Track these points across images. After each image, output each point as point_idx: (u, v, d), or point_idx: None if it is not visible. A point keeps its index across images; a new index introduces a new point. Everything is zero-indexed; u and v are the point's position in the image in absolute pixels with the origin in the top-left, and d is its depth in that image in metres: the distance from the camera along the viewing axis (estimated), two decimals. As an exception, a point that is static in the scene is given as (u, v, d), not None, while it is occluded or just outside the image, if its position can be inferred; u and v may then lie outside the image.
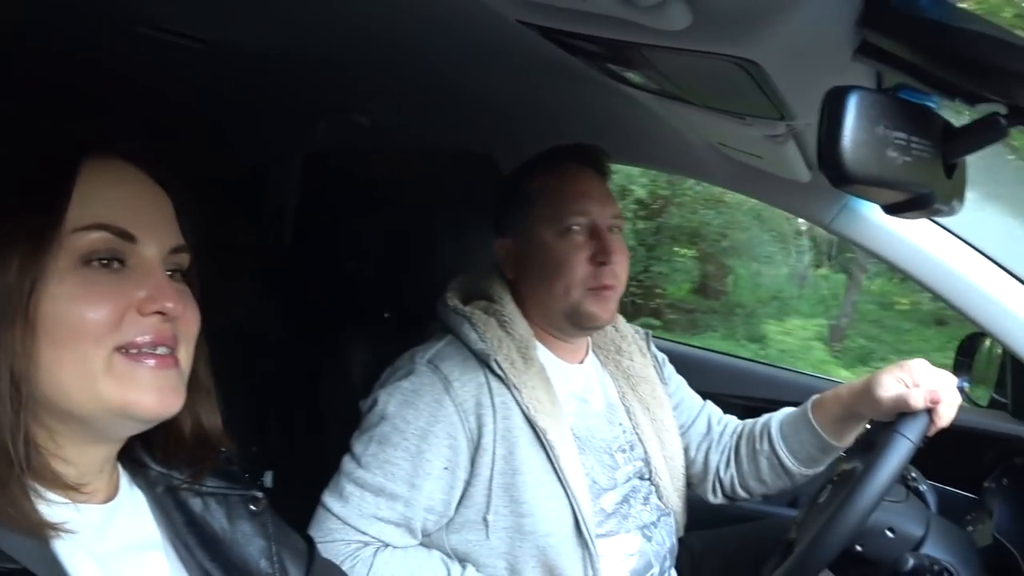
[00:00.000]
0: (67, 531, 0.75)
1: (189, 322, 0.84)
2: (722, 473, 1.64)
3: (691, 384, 1.75)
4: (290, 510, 1.08)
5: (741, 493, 1.63)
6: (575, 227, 1.44)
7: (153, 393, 0.78)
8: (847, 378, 3.42)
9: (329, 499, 1.35)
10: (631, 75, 0.99)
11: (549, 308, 1.46)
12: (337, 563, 1.24)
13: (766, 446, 1.57)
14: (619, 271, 1.45)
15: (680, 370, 1.76)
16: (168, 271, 0.84)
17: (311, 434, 1.86)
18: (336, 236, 2.18)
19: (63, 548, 0.75)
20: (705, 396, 1.76)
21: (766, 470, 1.58)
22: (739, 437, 1.65)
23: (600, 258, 1.43)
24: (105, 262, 0.78)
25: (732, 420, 1.71)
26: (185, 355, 0.84)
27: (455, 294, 1.51)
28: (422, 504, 1.34)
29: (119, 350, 0.77)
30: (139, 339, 0.78)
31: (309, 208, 2.36)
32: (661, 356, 1.73)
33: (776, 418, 1.60)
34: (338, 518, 1.33)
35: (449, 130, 2.01)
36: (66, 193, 0.77)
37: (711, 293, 7.09)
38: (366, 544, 1.34)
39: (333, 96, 1.91)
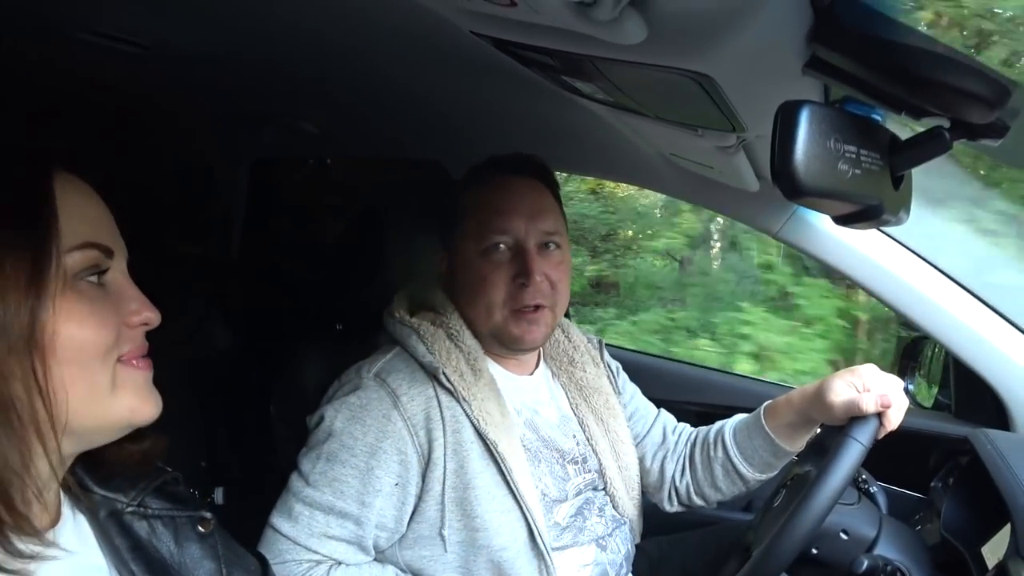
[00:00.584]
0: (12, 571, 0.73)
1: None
2: (678, 482, 1.64)
3: (644, 391, 1.75)
4: (243, 527, 1.05)
5: (697, 501, 1.63)
6: (500, 245, 1.40)
7: (151, 400, 0.81)
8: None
9: (278, 520, 1.31)
10: (584, 87, 0.99)
11: (475, 326, 1.43)
12: None
13: (720, 452, 1.58)
14: (547, 290, 1.41)
15: (633, 377, 1.76)
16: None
17: (262, 449, 1.82)
18: (284, 244, 2.14)
19: None
20: (659, 403, 1.76)
21: (721, 476, 1.59)
22: (693, 445, 1.65)
23: (521, 279, 1.38)
24: (92, 278, 0.79)
25: (686, 428, 1.71)
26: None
27: (402, 305, 1.48)
28: (373, 521, 1.31)
29: (118, 361, 0.78)
30: (134, 351, 0.80)
31: (256, 216, 2.31)
32: (615, 365, 1.73)
33: (729, 424, 1.61)
34: (288, 538, 1.29)
35: (399, 137, 1.99)
36: (54, 216, 0.76)
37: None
38: (318, 563, 1.31)
39: (280, 102, 1.88)
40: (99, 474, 0.88)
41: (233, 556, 0.97)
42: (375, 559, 1.36)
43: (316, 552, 1.30)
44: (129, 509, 0.89)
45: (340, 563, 1.31)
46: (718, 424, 1.63)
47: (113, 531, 0.88)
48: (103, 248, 0.79)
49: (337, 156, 2.15)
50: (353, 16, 1.16)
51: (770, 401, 1.53)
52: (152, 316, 0.81)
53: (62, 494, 0.85)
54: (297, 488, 1.32)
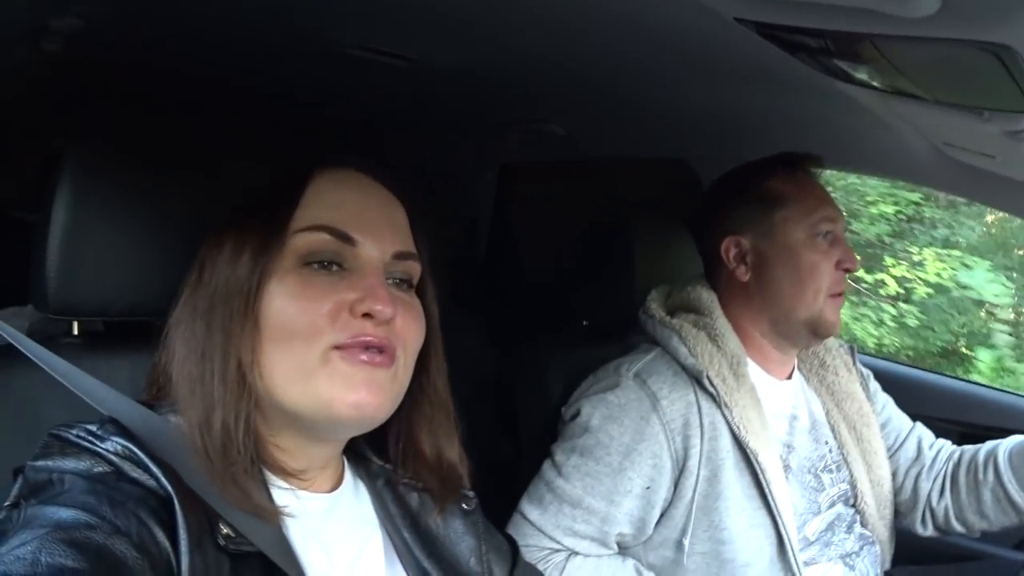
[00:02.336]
0: (291, 515, 0.78)
1: (408, 330, 0.83)
2: (934, 503, 1.51)
3: (898, 404, 1.63)
4: (485, 514, 1.09)
5: (957, 526, 1.50)
6: (828, 232, 1.39)
7: (361, 390, 0.78)
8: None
9: (527, 506, 1.35)
10: (855, 71, 0.94)
11: (791, 314, 1.39)
12: None
13: (991, 476, 1.44)
14: None
15: (886, 388, 1.64)
16: (394, 279, 0.84)
17: (504, 439, 1.89)
18: (531, 249, 2.21)
19: (292, 532, 0.79)
20: (914, 419, 1.63)
21: (989, 504, 1.44)
22: (956, 464, 1.52)
23: (846, 264, 1.39)
24: (325, 264, 0.80)
25: (946, 444, 1.58)
26: (403, 361, 0.82)
27: (658, 305, 1.46)
28: (620, 521, 1.31)
29: (335, 348, 0.78)
30: (352, 339, 0.78)
31: (502, 219, 2.40)
32: (866, 371, 1.63)
33: (1005, 446, 1.45)
34: (534, 526, 1.33)
35: (644, 136, 1.99)
36: (295, 196, 0.82)
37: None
38: (556, 551, 1.33)
39: (527, 107, 1.95)
40: (380, 446, 0.94)
41: (489, 536, 1.00)
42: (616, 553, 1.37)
43: (559, 543, 1.32)
44: (404, 480, 0.94)
45: (577, 554, 1.33)
46: (990, 444, 1.48)
47: (389, 499, 0.93)
48: (338, 233, 0.80)
49: (582, 157, 2.19)
50: (603, 13, 1.17)
51: None
52: (381, 308, 0.78)
53: (344, 461, 0.93)
54: (549, 477, 1.35)
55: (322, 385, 0.77)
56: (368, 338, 0.78)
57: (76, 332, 1.03)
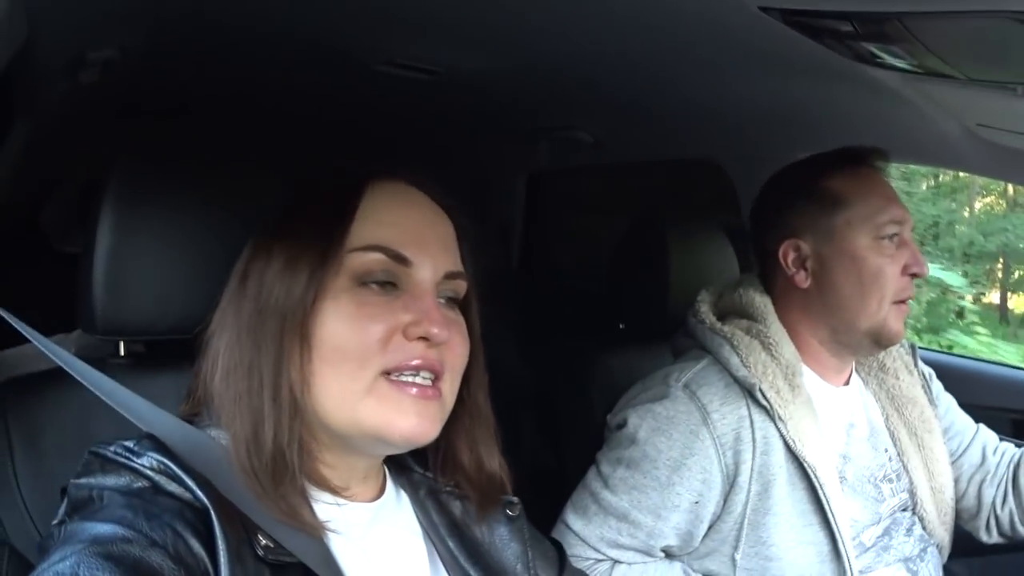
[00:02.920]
0: (335, 530, 0.78)
1: (455, 351, 0.82)
2: (999, 509, 1.45)
3: (954, 395, 1.57)
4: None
5: (1022, 531, 1.44)
6: (895, 235, 1.32)
7: (412, 418, 0.78)
8: None
9: (571, 517, 1.32)
10: (884, 54, 0.93)
11: (852, 323, 1.32)
12: None
13: None
14: None
15: (942, 380, 1.58)
16: (443, 298, 0.84)
17: (545, 446, 1.89)
18: (563, 254, 2.21)
19: (336, 543, 0.79)
20: (970, 409, 1.57)
21: None
22: (1017, 466, 1.46)
23: (914, 269, 1.32)
24: (379, 284, 0.80)
25: (1009, 448, 1.51)
26: (449, 385, 0.82)
27: (708, 308, 1.40)
28: (666, 535, 1.28)
29: (384, 374, 0.77)
30: (404, 363, 0.77)
31: (534, 227, 2.42)
32: (929, 372, 1.56)
33: None
34: (578, 536, 1.30)
35: (673, 138, 1.99)
36: (350, 213, 0.81)
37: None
38: (600, 561, 1.31)
39: (555, 114, 1.95)
40: (420, 455, 0.94)
41: (535, 542, 0.99)
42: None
43: (603, 554, 1.30)
44: (447, 489, 0.93)
45: (621, 563, 1.32)
46: None
47: (431, 508, 0.92)
48: (393, 254, 0.80)
49: (612, 162, 2.20)
50: (626, 15, 1.17)
51: None
52: (437, 332, 0.77)
53: (387, 471, 0.92)
54: (595, 488, 1.32)
55: (371, 412, 0.77)
56: (418, 361, 0.78)
57: (123, 353, 1.05)
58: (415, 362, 0.78)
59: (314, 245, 0.79)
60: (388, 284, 0.80)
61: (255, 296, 0.80)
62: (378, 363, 0.77)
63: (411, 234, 0.82)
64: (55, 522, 0.71)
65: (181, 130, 1.85)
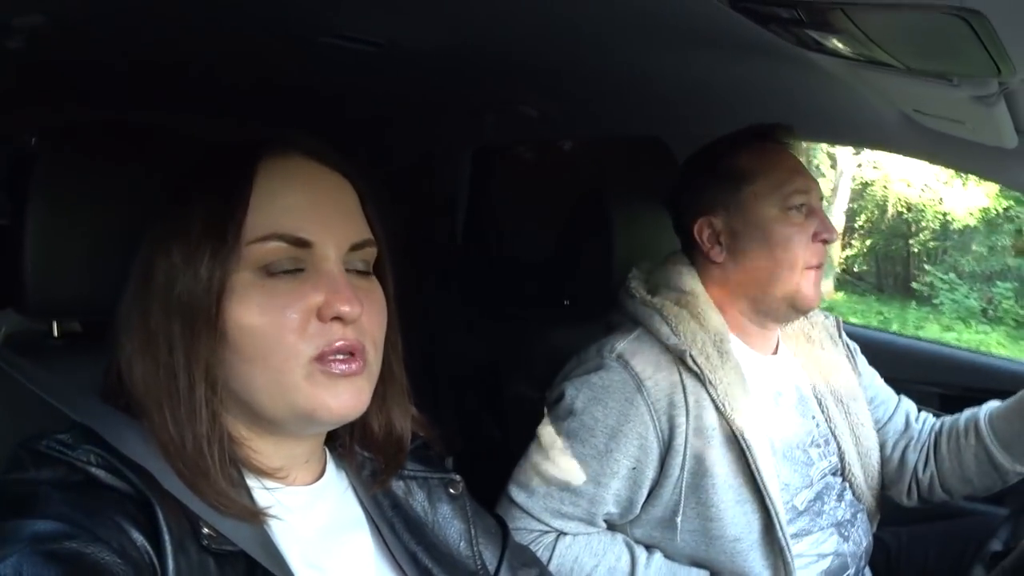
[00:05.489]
0: (273, 516, 0.78)
1: (373, 320, 0.83)
2: (920, 473, 1.52)
3: (880, 371, 1.64)
4: (471, 494, 1.09)
5: (940, 495, 1.52)
6: (803, 205, 1.38)
7: (343, 397, 0.78)
8: None
9: (515, 490, 1.35)
10: (827, 41, 0.95)
11: (767, 291, 1.38)
12: None
13: (973, 440, 1.46)
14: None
15: (868, 355, 1.65)
16: (354, 269, 0.83)
17: (488, 422, 1.90)
18: (509, 229, 2.21)
19: (276, 528, 0.79)
20: (896, 384, 1.64)
21: (972, 468, 1.46)
22: (939, 433, 1.53)
23: (824, 236, 1.38)
24: (287, 271, 0.79)
25: (930, 416, 1.59)
26: (372, 356, 0.82)
27: (639, 284, 1.45)
28: (607, 501, 1.32)
29: (315, 360, 0.77)
30: (327, 349, 0.77)
31: (479, 201, 2.41)
32: (853, 345, 1.63)
33: (984, 409, 1.47)
34: (522, 509, 1.33)
35: (618, 116, 1.99)
36: (242, 204, 0.78)
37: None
38: (545, 532, 1.34)
39: (501, 89, 1.94)
40: (360, 436, 0.93)
41: (478, 518, 1.01)
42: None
43: (547, 524, 1.33)
44: (365, 455, 0.93)
45: (566, 534, 1.34)
46: (970, 410, 1.50)
47: (374, 488, 0.93)
48: (293, 239, 0.78)
49: (556, 138, 2.19)
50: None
51: None
52: (348, 310, 0.77)
53: (327, 452, 0.92)
54: (536, 461, 1.35)
55: (305, 397, 0.77)
56: (340, 343, 0.78)
57: (56, 334, 1.02)
58: (337, 344, 0.78)
59: (209, 242, 0.77)
60: (295, 270, 0.79)
61: (160, 294, 0.77)
62: (304, 353, 0.77)
63: (309, 213, 0.80)
64: None
65: (115, 107, 1.78)
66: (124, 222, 0.96)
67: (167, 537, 0.69)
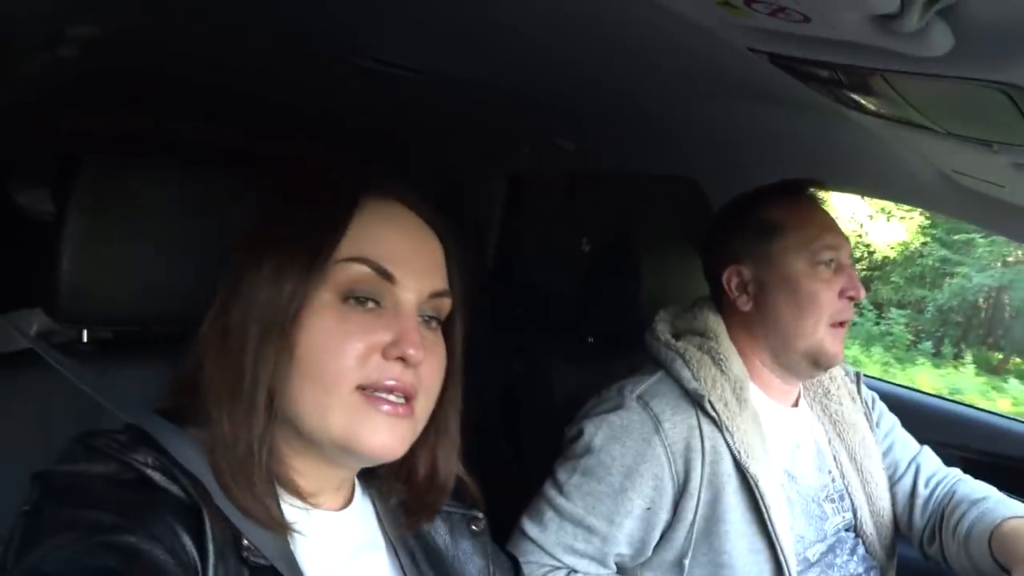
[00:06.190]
0: (301, 533, 0.79)
1: (431, 371, 0.83)
2: (927, 547, 1.47)
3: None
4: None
5: (956, 569, 1.43)
6: (831, 261, 1.37)
7: (382, 435, 0.78)
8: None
9: (528, 524, 1.35)
10: (866, 102, 0.95)
11: (790, 344, 1.38)
12: None
13: (976, 550, 1.36)
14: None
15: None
16: (425, 316, 0.84)
17: (509, 453, 1.89)
18: (538, 259, 2.21)
19: (301, 546, 0.80)
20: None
21: (979, 567, 1.36)
22: (946, 508, 1.45)
23: (851, 292, 1.37)
24: (362, 300, 0.80)
25: (945, 481, 1.52)
26: (423, 405, 0.83)
27: (665, 327, 1.45)
28: (620, 541, 1.32)
29: (360, 388, 0.78)
30: (379, 382, 0.78)
31: (510, 229, 2.41)
32: (872, 396, 1.61)
33: (990, 521, 1.37)
34: (535, 543, 1.33)
35: (655, 155, 2.00)
36: (342, 226, 0.81)
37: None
38: (556, 568, 1.33)
39: (537, 120, 1.95)
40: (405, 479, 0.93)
41: (495, 556, 1.01)
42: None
43: (558, 560, 1.32)
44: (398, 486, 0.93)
45: (576, 572, 1.33)
46: (972, 513, 1.40)
47: (400, 517, 0.93)
48: (379, 269, 0.80)
49: (592, 172, 2.20)
50: (615, 35, 1.18)
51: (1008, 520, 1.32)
52: (413, 353, 0.78)
53: (356, 479, 0.92)
54: (551, 496, 1.35)
55: (341, 423, 0.78)
56: (394, 383, 0.79)
57: (86, 340, 1.03)
58: (389, 383, 0.78)
59: (302, 256, 0.79)
60: (371, 301, 0.80)
61: (245, 300, 0.80)
62: (354, 378, 0.77)
63: (398, 251, 0.82)
64: (26, 508, 0.70)
65: (162, 118, 1.82)
66: (164, 238, 0.98)
67: (211, 545, 0.71)
